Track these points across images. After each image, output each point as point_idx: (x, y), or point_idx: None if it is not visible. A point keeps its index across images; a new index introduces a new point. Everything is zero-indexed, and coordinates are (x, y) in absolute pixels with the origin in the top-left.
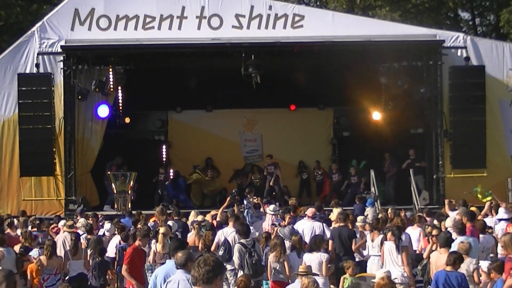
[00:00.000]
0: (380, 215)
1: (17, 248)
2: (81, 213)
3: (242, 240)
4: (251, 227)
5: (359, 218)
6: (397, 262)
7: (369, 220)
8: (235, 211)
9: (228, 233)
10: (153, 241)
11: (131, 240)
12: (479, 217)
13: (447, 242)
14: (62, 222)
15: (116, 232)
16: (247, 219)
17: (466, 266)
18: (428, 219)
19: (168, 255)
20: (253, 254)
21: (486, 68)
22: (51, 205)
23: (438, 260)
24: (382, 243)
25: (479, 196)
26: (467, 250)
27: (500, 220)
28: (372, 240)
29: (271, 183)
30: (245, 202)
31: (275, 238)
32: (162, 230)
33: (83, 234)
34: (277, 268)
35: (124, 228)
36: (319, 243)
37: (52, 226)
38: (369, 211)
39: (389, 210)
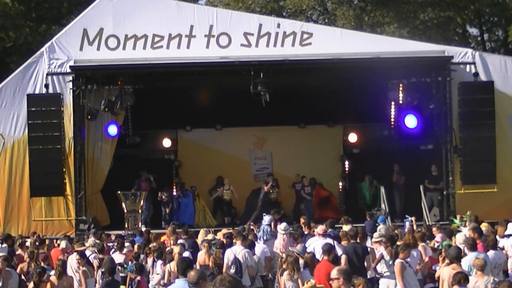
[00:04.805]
0: (396, 231)
1: (23, 267)
2: (94, 234)
3: None
4: (264, 245)
5: (376, 234)
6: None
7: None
8: (245, 229)
9: (237, 251)
10: (160, 261)
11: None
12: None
13: (457, 257)
14: (63, 243)
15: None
16: (261, 235)
17: (484, 285)
18: (439, 235)
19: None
20: None
21: (495, 83)
22: (61, 225)
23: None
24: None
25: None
26: (482, 266)
27: (509, 236)
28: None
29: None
30: (265, 218)
31: (288, 257)
32: (176, 249)
33: (91, 254)
34: (291, 287)
35: (123, 244)
36: None
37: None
38: (381, 228)
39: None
